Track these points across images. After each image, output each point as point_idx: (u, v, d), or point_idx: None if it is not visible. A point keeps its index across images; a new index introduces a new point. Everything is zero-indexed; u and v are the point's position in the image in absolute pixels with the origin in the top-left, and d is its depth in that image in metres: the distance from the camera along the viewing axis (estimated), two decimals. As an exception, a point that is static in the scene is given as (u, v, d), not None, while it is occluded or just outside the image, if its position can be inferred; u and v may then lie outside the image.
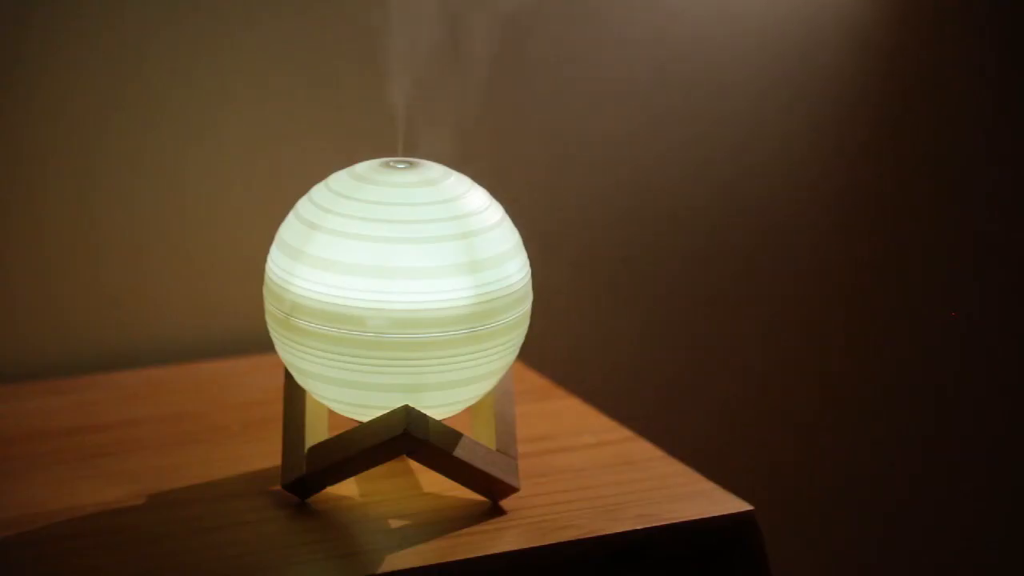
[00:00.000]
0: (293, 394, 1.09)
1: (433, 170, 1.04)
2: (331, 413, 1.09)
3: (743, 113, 1.49)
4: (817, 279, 1.58)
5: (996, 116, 1.61)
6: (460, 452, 1.02)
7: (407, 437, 1.00)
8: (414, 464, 1.10)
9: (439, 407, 1.03)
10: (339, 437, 1.02)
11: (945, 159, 1.61)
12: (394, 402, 1.01)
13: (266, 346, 1.10)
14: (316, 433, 1.07)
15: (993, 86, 1.60)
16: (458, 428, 1.03)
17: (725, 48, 1.46)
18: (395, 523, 1.04)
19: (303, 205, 1.04)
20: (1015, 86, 1.61)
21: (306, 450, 1.04)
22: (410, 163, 1.04)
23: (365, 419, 1.02)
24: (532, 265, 1.07)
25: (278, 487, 1.07)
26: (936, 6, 1.55)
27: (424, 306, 0.99)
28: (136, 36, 1.25)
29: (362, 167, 1.04)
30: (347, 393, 1.02)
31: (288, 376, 1.09)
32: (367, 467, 1.04)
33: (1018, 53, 1.60)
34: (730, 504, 1.06)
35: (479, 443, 1.04)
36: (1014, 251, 1.66)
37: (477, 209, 1.03)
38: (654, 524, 1.04)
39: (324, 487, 1.05)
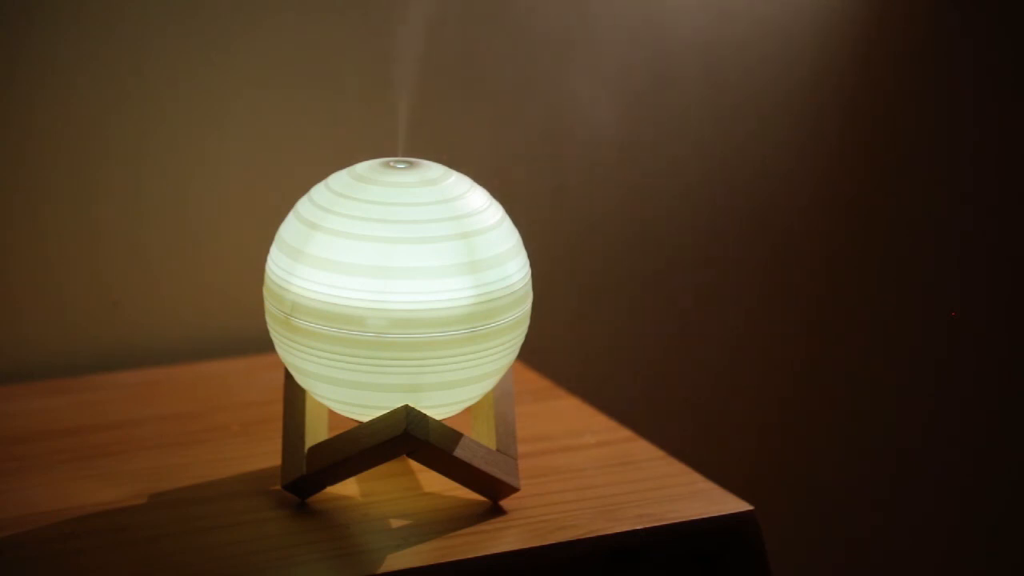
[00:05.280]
0: (293, 394, 1.09)
1: (433, 170, 1.04)
2: (331, 413, 1.09)
3: (743, 113, 1.49)
4: (818, 280, 1.58)
5: (999, 116, 1.61)
6: (460, 452, 1.02)
7: (407, 437, 1.00)
8: (414, 464, 1.10)
9: (439, 407, 1.03)
10: (339, 437, 1.02)
11: (945, 159, 1.61)
12: (394, 402, 1.01)
13: (266, 346, 1.10)
14: (316, 433, 1.07)
15: (995, 82, 1.60)
16: (458, 428, 1.03)
17: (725, 49, 1.46)
18: (395, 523, 1.04)
19: (303, 205, 1.04)
20: (1012, 84, 1.61)
21: (306, 450, 1.04)
22: (410, 163, 1.04)
23: (365, 419, 1.02)
24: (532, 265, 1.07)
25: (278, 487, 1.07)
26: (937, 7, 1.55)
27: (424, 306, 0.99)
28: (137, 37, 1.25)
29: (362, 167, 1.04)
30: (347, 393, 1.02)
31: (288, 376, 1.09)
32: (367, 467, 1.04)
33: (1013, 52, 1.60)
34: (730, 504, 1.06)
35: (479, 443, 1.04)
36: (1012, 250, 1.66)
37: (477, 209, 1.03)
38: (654, 524, 1.04)
39: (324, 487, 1.05)
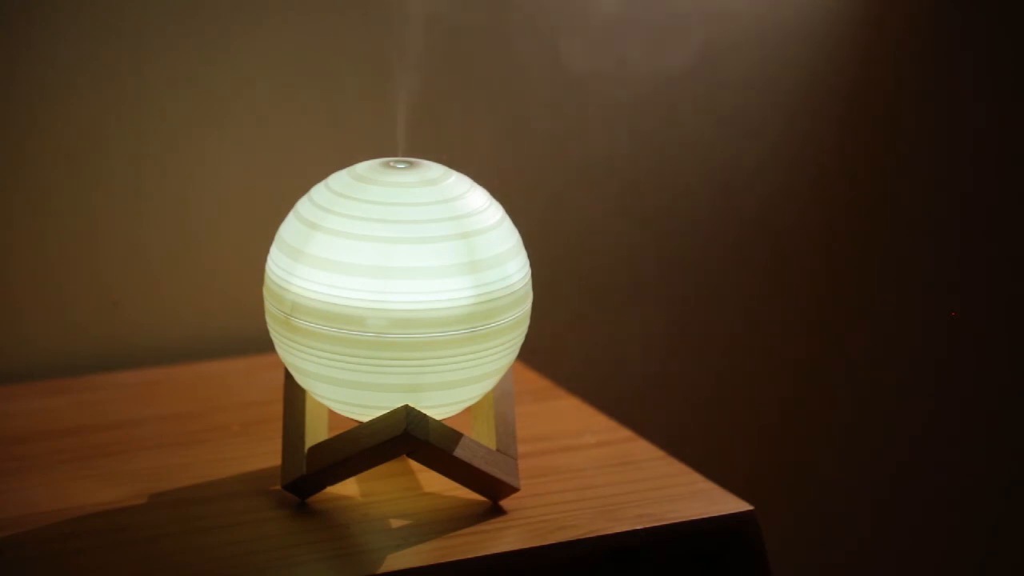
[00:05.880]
0: (293, 394, 1.09)
1: (433, 170, 1.04)
2: (331, 413, 1.09)
3: (743, 113, 1.49)
4: (818, 280, 1.58)
5: (999, 116, 1.61)
6: (460, 452, 1.02)
7: (407, 437, 1.00)
8: (414, 464, 1.10)
9: (439, 407, 1.03)
10: (339, 437, 1.02)
11: (945, 159, 1.61)
12: (394, 402, 1.01)
13: (266, 346, 1.10)
14: (316, 433, 1.07)
15: (995, 82, 1.60)
16: (458, 428, 1.03)
17: (725, 48, 1.46)
18: (395, 523, 1.04)
19: (303, 205, 1.04)
20: (1012, 84, 1.61)
21: (306, 450, 1.04)
22: (410, 163, 1.04)
23: (365, 419, 1.02)
24: (532, 265, 1.07)
25: (278, 487, 1.07)
26: (937, 7, 1.55)
27: (424, 306, 0.99)
28: (137, 37, 1.25)
29: (362, 167, 1.04)
30: (347, 393, 1.02)
31: (288, 376, 1.09)
32: (367, 467, 1.04)
33: (1009, 54, 1.60)
34: (730, 504, 1.06)
35: (479, 443, 1.04)
36: (1012, 250, 1.66)
37: (477, 209, 1.03)
38: (654, 524, 1.04)
39: (324, 487, 1.05)
